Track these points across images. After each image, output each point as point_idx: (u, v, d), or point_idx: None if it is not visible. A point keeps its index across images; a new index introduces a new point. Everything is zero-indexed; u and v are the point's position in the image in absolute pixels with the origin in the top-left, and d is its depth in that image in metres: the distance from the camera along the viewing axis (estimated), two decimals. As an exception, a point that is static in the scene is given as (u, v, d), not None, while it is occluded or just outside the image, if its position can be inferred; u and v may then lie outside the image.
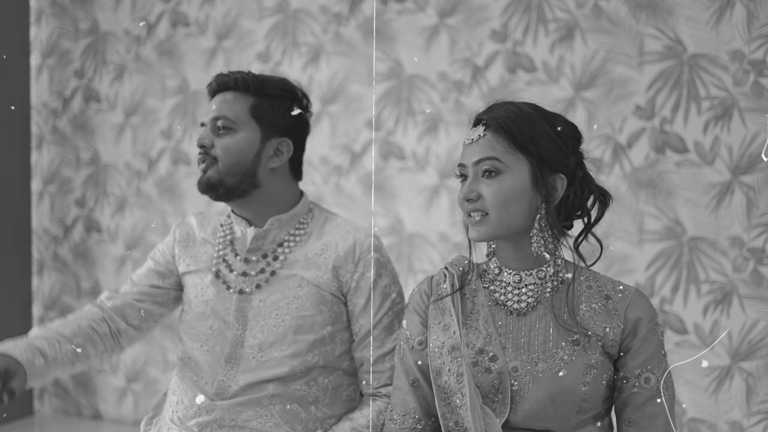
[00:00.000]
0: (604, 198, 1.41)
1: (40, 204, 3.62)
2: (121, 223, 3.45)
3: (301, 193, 1.75)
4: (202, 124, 1.68)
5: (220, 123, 1.64)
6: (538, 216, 1.35)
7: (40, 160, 3.60)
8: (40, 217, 3.62)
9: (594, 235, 1.41)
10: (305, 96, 1.73)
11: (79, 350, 1.65)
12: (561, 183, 1.36)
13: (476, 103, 2.80)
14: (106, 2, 3.44)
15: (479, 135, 1.36)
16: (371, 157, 2.99)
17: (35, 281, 3.63)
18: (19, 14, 3.48)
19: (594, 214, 1.42)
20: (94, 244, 3.52)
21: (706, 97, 2.51)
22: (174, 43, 3.31)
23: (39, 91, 3.58)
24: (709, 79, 2.51)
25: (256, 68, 3.14)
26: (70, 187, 3.55)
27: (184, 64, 3.28)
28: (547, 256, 1.37)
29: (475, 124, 1.40)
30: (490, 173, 1.34)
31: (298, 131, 1.71)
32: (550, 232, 1.36)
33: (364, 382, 1.66)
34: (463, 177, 1.38)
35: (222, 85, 1.67)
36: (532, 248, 1.35)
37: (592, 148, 2.62)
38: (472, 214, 1.35)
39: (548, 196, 1.35)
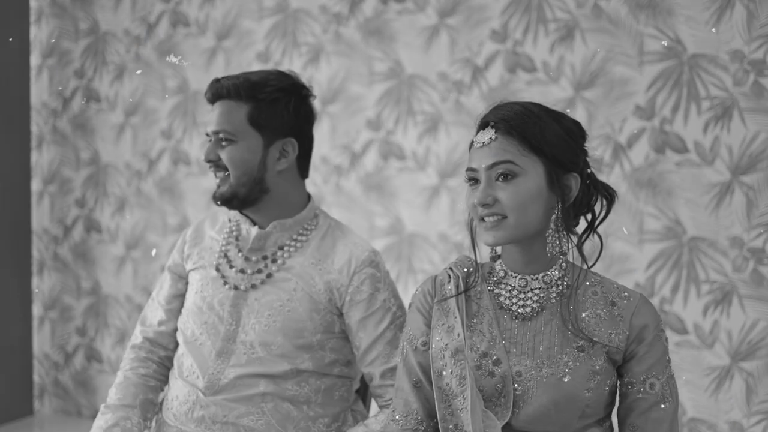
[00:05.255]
0: (610, 196, 1.40)
1: (40, 204, 3.61)
2: (121, 223, 3.45)
3: (309, 197, 1.74)
4: (207, 135, 1.67)
5: (221, 135, 1.62)
6: (554, 216, 1.33)
7: (40, 160, 3.60)
8: (40, 217, 3.62)
9: (598, 234, 1.40)
10: (303, 86, 1.67)
11: (145, 403, 1.73)
12: (575, 182, 1.34)
13: (476, 103, 2.80)
14: (106, 2, 3.44)
15: (490, 138, 1.32)
16: (371, 157, 2.99)
17: (35, 281, 3.63)
18: (19, 14, 3.48)
19: (598, 211, 1.41)
20: (94, 244, 3.52)
21: (706, 97, 2.51)
22: (174, 43, 3.31)
23: (39, 91, 3.58)
24: (709, 79, 2.51)
25: (256, 68, 3.13)
26: (70, 187, 3.55)
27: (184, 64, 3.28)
28: (561, 256, 1.36)
29: (483, 126, 1.36)
30: (505, 176, 1.31)
31: (302, 126, 1.67)
32: (564, 233, 1.34)
33: (377, 398, 1.67)
34: (474, 181, 1.35)
35: (216, 93, 1.64)
36: (547, 248, 1.33)
37: (594, 147, 2.63)
38: (486, 218, 1.32)
39: (563, 196, 1.33)
